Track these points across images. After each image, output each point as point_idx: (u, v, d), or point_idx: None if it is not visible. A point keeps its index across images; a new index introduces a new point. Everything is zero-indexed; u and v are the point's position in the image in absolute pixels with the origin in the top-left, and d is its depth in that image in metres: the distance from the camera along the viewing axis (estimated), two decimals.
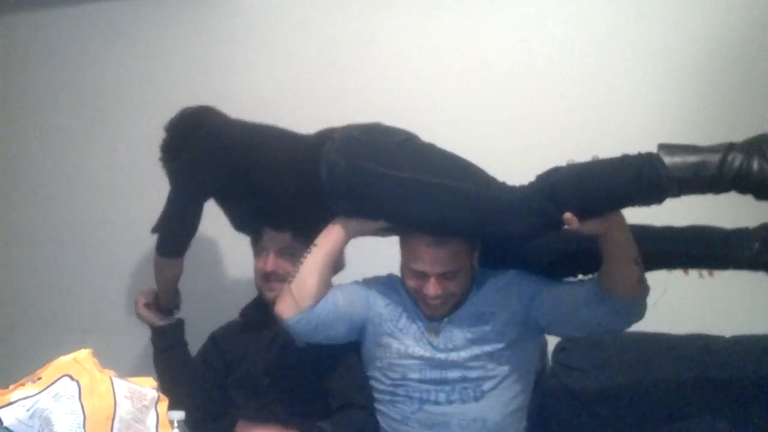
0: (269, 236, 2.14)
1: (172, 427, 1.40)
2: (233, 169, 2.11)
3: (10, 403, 1.23)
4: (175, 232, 2.18)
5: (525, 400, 1.99)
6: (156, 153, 2.34)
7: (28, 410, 1.22)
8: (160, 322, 2.35)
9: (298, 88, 2.79)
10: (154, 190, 2.35)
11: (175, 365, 2.30)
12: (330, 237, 1.96)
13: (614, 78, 2.51)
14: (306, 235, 2.03)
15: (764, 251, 1.78)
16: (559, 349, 2.25)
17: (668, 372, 2.12)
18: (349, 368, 2.06)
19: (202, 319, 2.38)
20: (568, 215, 1.70)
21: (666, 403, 2.10)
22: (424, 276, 1.90)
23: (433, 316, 1.96)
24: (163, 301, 2.35)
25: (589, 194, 1.72)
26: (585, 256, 1.86)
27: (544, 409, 2.19)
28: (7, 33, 3.27)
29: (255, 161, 2.09)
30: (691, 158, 1.67)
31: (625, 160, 1.72)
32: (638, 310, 1.84)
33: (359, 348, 2.06)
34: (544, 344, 2.21)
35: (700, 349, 2.14)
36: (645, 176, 1.67)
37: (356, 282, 2.08)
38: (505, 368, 1.93)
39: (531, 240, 1.91)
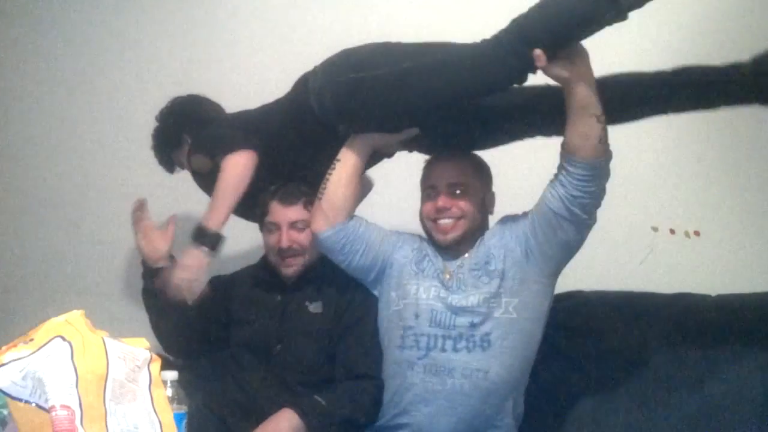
0: (280, 212, 2.11)
1: (165, 387, 1.42)
2: None
3: (3, 365, 1.21)
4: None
5: (531, 354, 2.02)
6: (145, 120, 2.34)
7: (20, 371, 1.21)
8: (159, 263, 2.19)
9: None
10: (148, 154, 2.35)
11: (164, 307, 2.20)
12: (351, 149, 2.03)
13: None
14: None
15: (752, 73, 1.79)
16: None
17: (655, 330, 2.14)
18: (359, 336, 2.08)
19: None
20: (537, 51, 1.74)
21: (652, 361, 2.12)
22: (435, 191, 2.01)
23: (445, 241, 2.02)
24: None
25: (553, 22, 1.75)
26: (545, 112, 1.90)
27: (531, 367, 2.21)
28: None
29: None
30: None
31: None
32: (600, 172, 1.87)
33: (372, 314, 2.09)
34: None
35: (686, 308, 2.16)
36: None
37: (390, 229, 2.16)
38: (514, 316, 1.96)
39: (516, 83, 1.88)
